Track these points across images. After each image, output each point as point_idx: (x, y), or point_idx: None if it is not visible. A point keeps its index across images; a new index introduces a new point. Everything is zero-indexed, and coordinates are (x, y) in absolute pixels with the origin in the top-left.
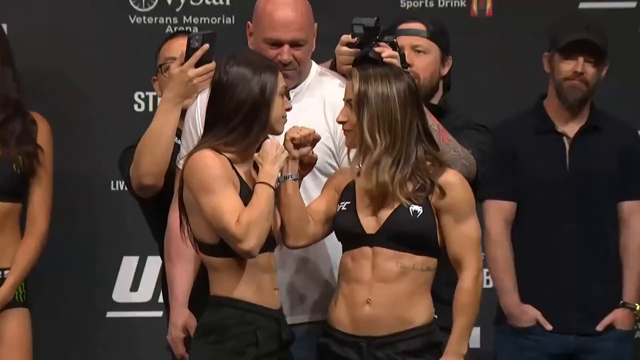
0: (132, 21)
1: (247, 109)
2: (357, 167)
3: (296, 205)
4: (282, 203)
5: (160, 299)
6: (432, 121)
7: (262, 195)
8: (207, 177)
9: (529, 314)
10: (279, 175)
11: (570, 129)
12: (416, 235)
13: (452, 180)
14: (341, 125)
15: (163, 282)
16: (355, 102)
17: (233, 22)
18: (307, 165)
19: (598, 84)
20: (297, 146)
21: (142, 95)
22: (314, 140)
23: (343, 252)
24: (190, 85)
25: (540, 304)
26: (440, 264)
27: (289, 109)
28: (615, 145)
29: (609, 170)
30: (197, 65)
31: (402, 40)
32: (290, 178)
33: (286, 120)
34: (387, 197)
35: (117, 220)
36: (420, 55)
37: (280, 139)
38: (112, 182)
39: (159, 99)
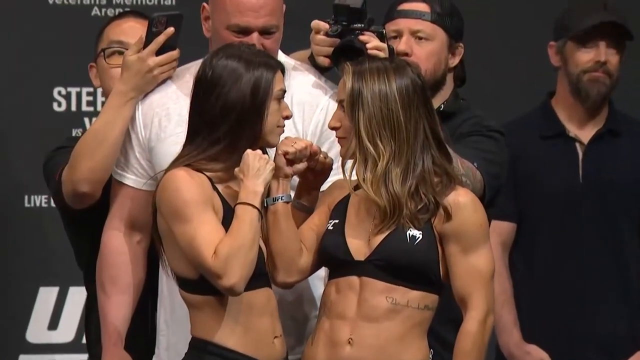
0: (51, 1)
1: (235, 114)
2: (352, 179)
3: (288, 233)
4: (271, 230)
5: (84, 339)
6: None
7: (244, 219)
8: (179, 202)
9: (534, 356)
10: (269, 196)
11: (584, 133)
12: (410, 266)
13: (462, 201)
14: (313, 128)
15: (87, 319)
16: (349, 103)
17: (173, 2)
18: (320, 173)
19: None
20: (291, 162)
21: (63, 92)
22: (312, 154)
23: (328, 279)
24: (150, 76)
25: (547, 343)
26: (442, 297)
27: (287, 117)
28: (636, 152)
29: (629, 181)
30: (159, 53)
31: (400, 24)
32: (280, 200)
33: (283, 131)
34: (392, 216)
35: (33, 243)
36: (421, 42)
37: (271, 152)
38: (26, 196)
39: (99, 94)
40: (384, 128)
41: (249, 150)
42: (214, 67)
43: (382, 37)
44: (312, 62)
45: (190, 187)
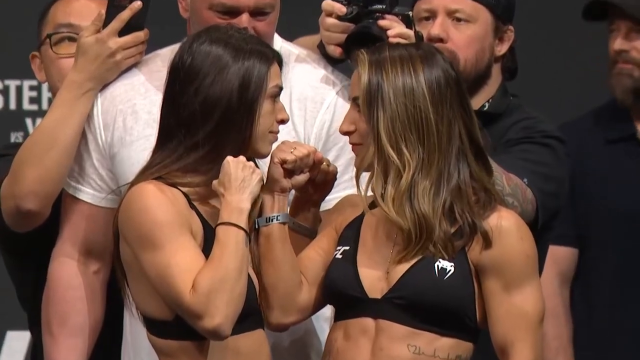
0: None
1: (219, 113)
2: (370, 195)
3: (285, 262)
4: (264, 258)
5: None
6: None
7: (227, 243)
8: (148, 224)
9: None
10: (261, 215)
11: None
12: (439, 306)
13: (506, 225)
14: (317, 130)
15: None
16: (365, 101)
17: None
18: (321, 186)
19: None
20: (289, 173)
21: (0, 86)
22: (315, 163)
23: (335, 320)
24: (111, 62)
25: None
26: (478, 345)
27: (283, 122)
28: None
29: None
30: (123, 33)
31: (434, 2)
32: (275, 220)
33: (276, 138)
34: (418, 242)
35: None
36: (460, 25)
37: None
38: None
39: (45, 89)
40: (410, 131)
41: (229, 158)
42: (194, 54)
43: (408, 22)
44: (322, 51)
45: (162, 206)
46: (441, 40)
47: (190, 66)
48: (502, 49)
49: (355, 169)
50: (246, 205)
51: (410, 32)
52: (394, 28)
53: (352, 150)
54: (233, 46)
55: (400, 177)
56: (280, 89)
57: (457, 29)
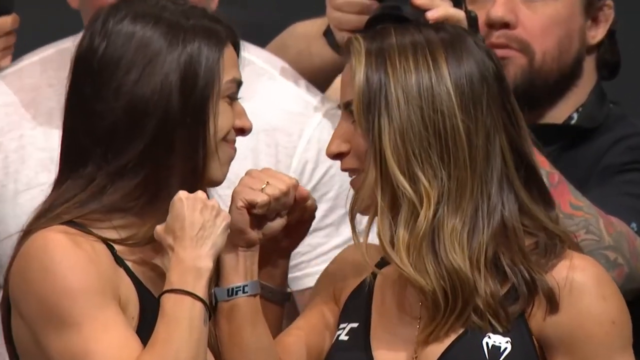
0: None
1: (152, 123)
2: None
3: (257, 351)
4: (227, 342)
5: None
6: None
7: (178, 320)
8: (56, 293)
9: None
10: (218, 285)
11: None
12: None
13: (580, 279)
14: (296, 173)
15: None
16: (362, 107)
17: None
18: (295, 229)
19: None
20: (259, 218)
21: None
22: (298, 200)
23: None
24: None
25: None
26: None
27: (243, 130)
28: None
29: None
30: None
31: None
32: (241, 293)
33: (233, 153)
34: (452, 310)
35: None
36: (534, 2)
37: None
38: None
39: None
40: (429, 147)
41: (182, 194)
42: (110, 37)
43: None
44: (330, 41)
45: (76, 265)
46: (507, 25)
47: (105, 55)
48: (597, 34)
49: (350, 209)
50: (206, 264)
51: (460, 14)
52: (437, 8)
53: (350, 180)
54: (168, 22)
55: (416, 215)
56: (239, 83)
57: (529, 8)
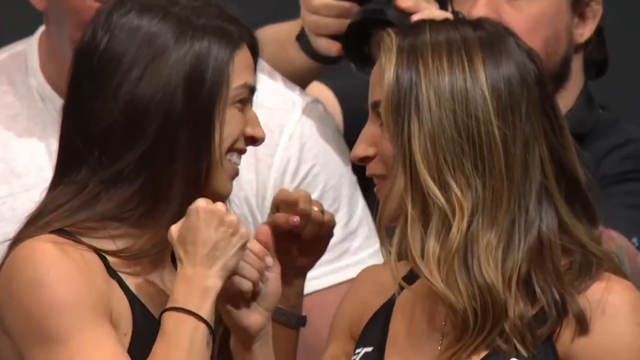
0: None
1: (154, 125)
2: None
3: None
4: None
5: None
6: None
7: (179, 340)
8: (43, 307)
9: None
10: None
11: None
12: None
13: (616, 302)
14: (277, 173)
15: None
16: (391, 109)
17: None
18: (311, 244)
19: None
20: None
21: None
22: (301, 212)
23: None
24: None
25: None
26: None
27: (255, 140)
28: None
29: None
30: None
31: None
32: None
33: (237, 171)
34: (481, 329)
35: None
36: (518, 1)
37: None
38: None
39: None
40: (462, 154)
41: (200, 202)
42: (114, 29)
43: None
44: (303, 46)
45: (65, 277)
46: None
47: (106, 50)
48: (585, 32)
49: (377, 218)
50: (214, 283)
51: (446, 15)
52: (421, 10)
53: (376, 188)
54: (177, 18)
55: (447, 226)
56: (252, 89)
57: (513, 7)
